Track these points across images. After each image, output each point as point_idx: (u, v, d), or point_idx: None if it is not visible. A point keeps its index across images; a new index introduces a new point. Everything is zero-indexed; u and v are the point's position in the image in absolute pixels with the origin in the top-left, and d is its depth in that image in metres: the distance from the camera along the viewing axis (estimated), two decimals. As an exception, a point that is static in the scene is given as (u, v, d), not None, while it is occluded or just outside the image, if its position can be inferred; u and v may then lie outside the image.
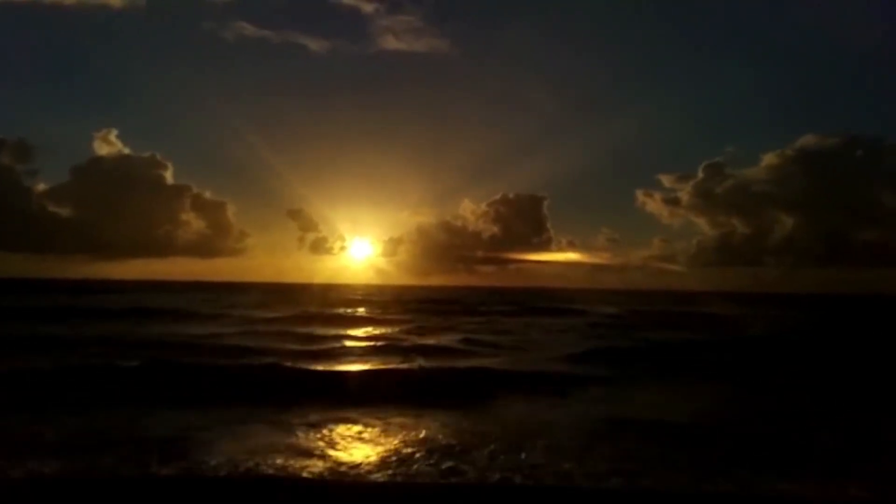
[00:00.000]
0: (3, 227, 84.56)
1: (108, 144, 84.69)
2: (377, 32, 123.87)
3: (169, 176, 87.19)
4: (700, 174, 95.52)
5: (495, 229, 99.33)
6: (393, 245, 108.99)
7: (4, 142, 79.42)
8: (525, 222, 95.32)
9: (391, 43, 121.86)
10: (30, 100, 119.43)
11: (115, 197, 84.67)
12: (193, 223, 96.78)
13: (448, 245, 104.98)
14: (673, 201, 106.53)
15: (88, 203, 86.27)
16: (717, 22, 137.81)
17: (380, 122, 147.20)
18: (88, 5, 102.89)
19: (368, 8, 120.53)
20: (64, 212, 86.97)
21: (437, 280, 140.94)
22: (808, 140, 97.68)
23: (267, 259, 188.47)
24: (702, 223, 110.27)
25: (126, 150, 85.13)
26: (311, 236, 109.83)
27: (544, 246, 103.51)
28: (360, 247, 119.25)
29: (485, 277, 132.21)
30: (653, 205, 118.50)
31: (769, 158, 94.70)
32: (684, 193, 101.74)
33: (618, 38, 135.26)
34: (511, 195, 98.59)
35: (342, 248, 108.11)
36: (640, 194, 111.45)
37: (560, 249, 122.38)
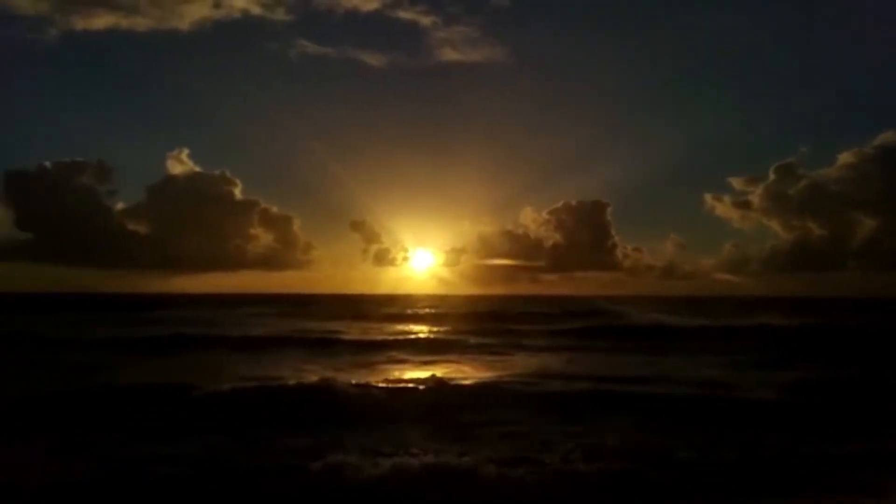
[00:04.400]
0: (87, 245, 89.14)
1: (181, 163, 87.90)
2: (435, 44, 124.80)
3: (238, 192, 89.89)
4: (772, 175, 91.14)
5: (558, 237, 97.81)
6: (455, 255, 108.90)
7: (86, 164, 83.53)
8: (588, 229, 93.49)
9: (449, 54, 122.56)
10: (108, 123, 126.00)
11: (187, 214, 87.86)
12: (262, 237, 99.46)
13: (510, 254, 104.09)
14: (743, 205, 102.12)
15: (163, 220, 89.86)
16: (786, 15, 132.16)
17: (439, 132, 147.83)
18: (160, 31, 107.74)
19: (425, 21, 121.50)
20: (141, 229, 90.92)
21: (499, 289, 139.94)
22: (888, 137, 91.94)
23: (332, 271, 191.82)
24: (775, 226, 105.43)
25: (197, 169, 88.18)
26: (374, 248, 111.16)
27: (609, 253, 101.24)
28: (423, 257, 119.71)
29: (548, 286, 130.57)
30: (722, 209, 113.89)
31: (845, 157, 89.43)
32: (755, 196, 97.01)
33: (681, 39, 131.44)
34: (573, 202, 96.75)
35: (405, 259, 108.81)
36: (708, 198, 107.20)
37: (626, 256, 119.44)
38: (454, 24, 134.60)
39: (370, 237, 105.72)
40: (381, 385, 14.57)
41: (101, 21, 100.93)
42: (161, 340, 26.83)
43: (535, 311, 59.04)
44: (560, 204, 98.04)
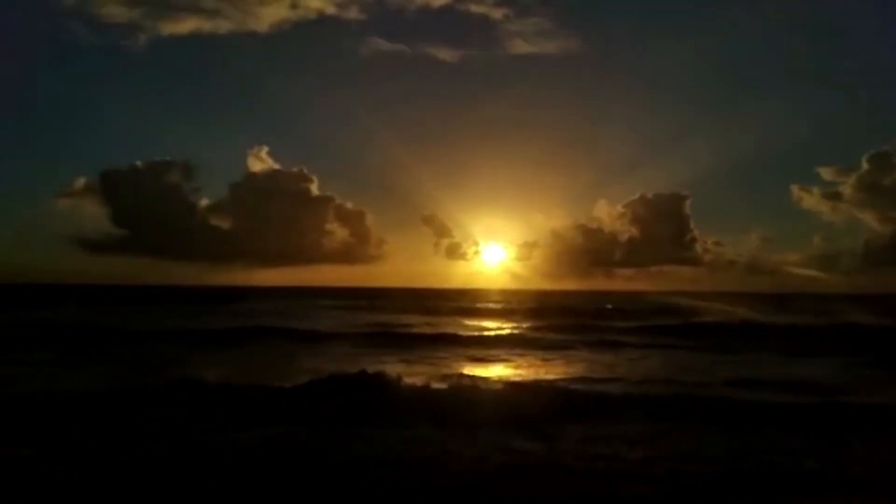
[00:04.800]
0: (175, 240, 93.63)
1: (261, 161, 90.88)
2: (506, 37, 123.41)
3: (314, 188, 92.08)
4: (865, 165, 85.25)
5: (634, 231, 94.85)
6: (527, 249, 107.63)
7: (173, 163, 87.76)
8: (666, 223, 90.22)
9: (521, 47, 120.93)
10: (193, 124, 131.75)
11: (267, 210, 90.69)
12: (337, 232, 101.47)
13: (584, 248, 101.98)
14: (834, 196, 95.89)
15: (244, 216, 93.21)
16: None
17: (511, 126, 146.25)
18: (240, 33, 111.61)
19: (497, 14, 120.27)
20: (224, 224, 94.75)
21: (573, 284, 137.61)
22: None
23: (404, 265, 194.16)
24: (869, 219, 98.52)
25: (276, 166, 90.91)
26: (445, 242, 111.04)
27: (688, 247, 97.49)
28: (495, 251, 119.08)
29: (624, 281, 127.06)
30: (811, 200, 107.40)
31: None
32: (847, 187, 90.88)
33: (765, 25, 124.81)
34: (650, 195, 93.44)
35: (476, 253, 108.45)
36: (795, 189, 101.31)
37: (706, 250, 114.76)
38: (526, 16, 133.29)
39: (441, 231, 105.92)
40: (463, 383, 14.19)
41: (186, 25, 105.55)
42: (246, 332, 27.64)
43: (611, 307, 57.66)
44: (636, 197, 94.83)
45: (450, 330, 32.37)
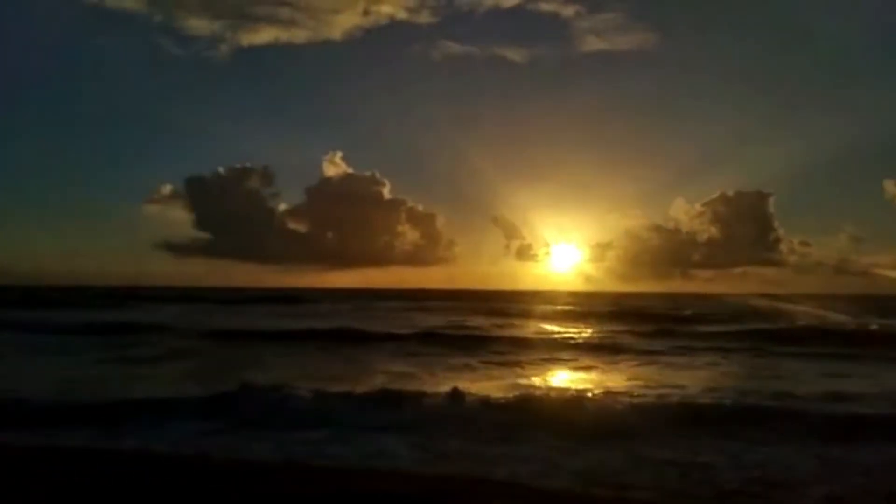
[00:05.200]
0: (255, 244, 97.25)
1: (335, 166, 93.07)
2: (578, 35, 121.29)
3: (386, 192, 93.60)
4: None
5: (713, 231, 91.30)
6: (600, 250, 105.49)
7: (253, 169, 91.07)
8: (748, 222, 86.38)
9: (593, 44, 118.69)
10: (271, 130, 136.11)
11: (341, 213, 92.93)
12: (408, 234, 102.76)
13: (660, 249, 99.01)
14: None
15: (319, 220, 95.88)
16: None
17: (584, 123, 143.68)
18: (315, 41, 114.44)
19: (568, 11, 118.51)
20: (300, 228, 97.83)
21: (649, 287, 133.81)
22: None
23: (474, 267, 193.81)
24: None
25: (350, 170, 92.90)
26: (515, 243, 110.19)
27: (772, 248, 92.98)
28: (566, 253, 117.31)
29: (703, 284, 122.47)
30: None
31: None
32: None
33: (850, 13, 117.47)
34: (730, 193, 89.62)
35: (547, 255, 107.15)
36: (890, 185, 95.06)
37: (791, 251, 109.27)
38: (599, 12, 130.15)
39: (512, 232, 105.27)
40: (546, 394, 13.74)
41: (264, 36, 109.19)
42: (328, 334, 28.21)
43: (691, 309, 55.68)
44: (716, 195, 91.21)
45: (525, 333, 32.06)
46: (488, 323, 39.24)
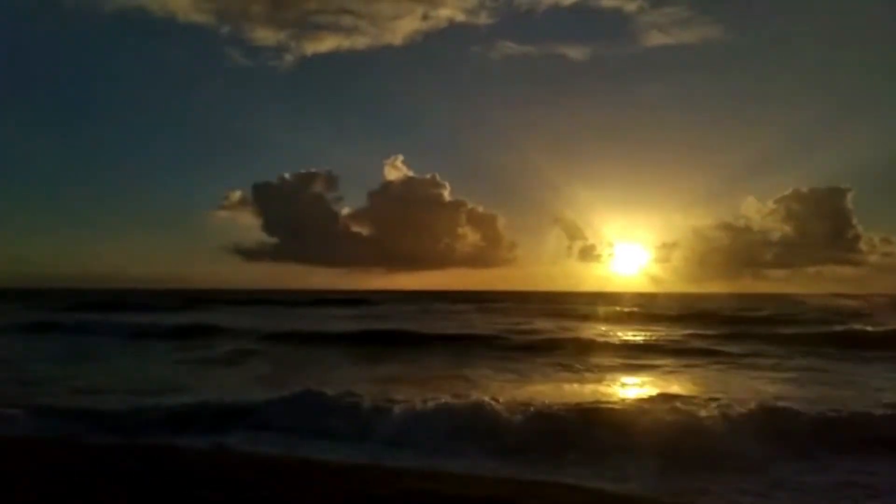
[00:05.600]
0: (319, 247, 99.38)
1: (396, 170, 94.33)
2: (640, 30, 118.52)
3: (447, 194, 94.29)
4: None
5: (787, 229, 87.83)
6: (666, 250, 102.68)
7: (317, 174, 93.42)
8: (824, 219, 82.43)
9: (656, 38, 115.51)
10: (334, 136, 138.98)
11: (402, 216, 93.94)
12: (469, 236, 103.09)
13: (730, 248, 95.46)
14: None
15: (382, 222, 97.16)
16: None
17: (647, 120, 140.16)
18: (376, 47, 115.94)
19: (630, 6, 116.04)
20: (363, 231, 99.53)
21: (718, 287, 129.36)
22: None
23: (535, 268, 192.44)
24: None
25: (410, 174, 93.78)
26: (578, 244, 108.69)
27: (850, 245, 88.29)
28: (631, 253, 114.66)
29: (777, 284, 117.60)
30: None
31: None
32: None
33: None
34: (804, 189, 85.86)
35: (610, 255, 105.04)
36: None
37: (872, 249, 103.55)
38: (662, 5, 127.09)
39: (574, 233, 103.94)
40: (639, 404, 12.61)
41: (327, 44, 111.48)
42: (394, 336, 28.32)
43: (767, 310, 53.26)
44: (788, 192, 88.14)
45: (596, 336, 31.18)
46: (556, 325, 38.45)
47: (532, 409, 11.29)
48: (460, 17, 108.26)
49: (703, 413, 11.09)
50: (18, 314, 44.68)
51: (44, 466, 6.82)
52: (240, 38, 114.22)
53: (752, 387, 15.95)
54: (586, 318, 47.36)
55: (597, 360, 21.31)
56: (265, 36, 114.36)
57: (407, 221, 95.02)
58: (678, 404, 11.68)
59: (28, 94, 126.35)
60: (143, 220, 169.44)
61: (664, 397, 13.03)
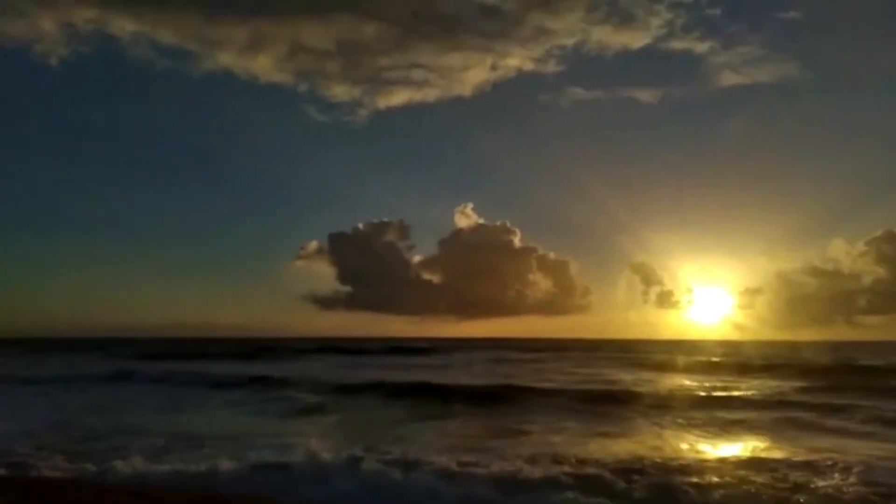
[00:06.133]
0: (392, 295, 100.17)
1: (466, 217, 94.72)
2: (713, 71, 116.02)
3: (517, 240, 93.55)
4: None
5: (880, 271, 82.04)
6: (749, 296, 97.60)
7: (390, 224, 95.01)
8: (923, 260, 76.63)
9: (729, 78, 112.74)
10: (406, 186, 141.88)
11: (473, 263, 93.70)
12: (540, 283, 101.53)
13: (819, 293, 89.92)
14: None
15: (453, 270, 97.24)
16: None
17: (725, 161, 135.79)
18: (446, 99, 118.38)
19: (701, 48, 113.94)
20: (434, 278, 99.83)
21: (807, 335, 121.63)
22: None
23: (610, 315, 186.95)
24: None
25: (481, 221, 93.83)
26: (655, 289, 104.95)
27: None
28: (711, 299, 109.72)
29: (871, 331, 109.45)
30: None
31: None
32: None
33: None
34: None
35: (689, 302, 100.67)
36: None
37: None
38: (734, 45, 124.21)
39: (650, 279, 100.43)
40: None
41: (399, 98, 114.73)
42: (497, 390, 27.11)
43: (868, 360, 49.25)
44: (880, 233, 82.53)
45: (684, 387, 29.41)
46: (641, 376, 36.59)
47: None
48: (528, 66, 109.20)
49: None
50: (97, 363, 46.60)
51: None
52: (317, 95, 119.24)
53: (869, 449, 14.22)
54: (669, 368, 45.06)
55: (695, 414, 19.75)
56: (340, 92, 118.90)
57: (477, 268, 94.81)
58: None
59: (122, 153, 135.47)
60: (224, 270, 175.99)
61: (778, 463, 11.72)
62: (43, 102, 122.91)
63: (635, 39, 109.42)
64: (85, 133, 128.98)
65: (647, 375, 37.52)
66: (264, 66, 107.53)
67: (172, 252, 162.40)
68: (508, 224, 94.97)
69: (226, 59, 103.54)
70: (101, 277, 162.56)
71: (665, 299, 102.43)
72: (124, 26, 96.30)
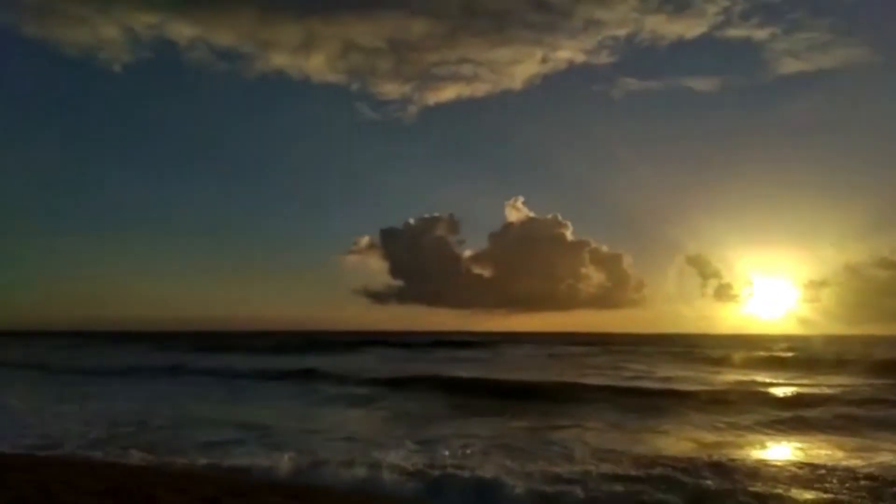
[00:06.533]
0: (442, 289, 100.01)
1: (517, 211, 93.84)
2: (773, 58, 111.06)
3: (568, 234, 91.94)
4: None
5: (960, 263, 76.80)
6: (814, 289, 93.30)
7: (440, 218, 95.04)
8: None
9: (790, 65, 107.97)
10: (456, 181, 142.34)
11: (524, 257, 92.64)
12: (593, 276, 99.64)
13: (891, 286, 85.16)
14: None
15: (503, 264, 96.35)
16: None
17: (786, 150, 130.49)
18: (496, 93, 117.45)
19: (761, 34, 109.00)
20: (485, 273, 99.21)
21: (877, 329, 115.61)
22: None
23: (666, 309, 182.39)
24: None
25: (532, 214, 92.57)
26: (713, 283, 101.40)
27: None
28: (772, 292, 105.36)
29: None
30: None
31: None
32: None
33: None
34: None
35: (750, 295, 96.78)
36: None
37: None
38: (796, 31, 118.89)
39: (708, 271, 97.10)
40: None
41: (448, 93, 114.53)
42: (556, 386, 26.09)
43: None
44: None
45: (767, 386, 27.68)
46: (703, 372, 34.94)
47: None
48: (580, 58, 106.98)
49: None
50: (158, 356, 47.58)
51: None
52: (368, 93, 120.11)
53: None
54: (732, 363, 43.06)
55: (766, 412, 18.40)
56: (391, 90, 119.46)
57: (528, 262, 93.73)
58: None
59: (181, 153, 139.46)
60: (279, 266, 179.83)
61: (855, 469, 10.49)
62: (109, 106, 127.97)
63: (691, 28, 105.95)
64: (146, 134, 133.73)
65: (710, 371, 35.82)
66: (317, 66, 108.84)
67: (229, 247, 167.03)
68: (560, 217, 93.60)
69: (279, 59, 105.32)
70: (157, 271, 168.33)
71: (723, 292, 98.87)
72: (182, 31, 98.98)
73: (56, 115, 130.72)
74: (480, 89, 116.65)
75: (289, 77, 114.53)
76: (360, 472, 10.34)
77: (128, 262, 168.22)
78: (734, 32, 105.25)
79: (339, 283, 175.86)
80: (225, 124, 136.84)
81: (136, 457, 11.71)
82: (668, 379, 30.56)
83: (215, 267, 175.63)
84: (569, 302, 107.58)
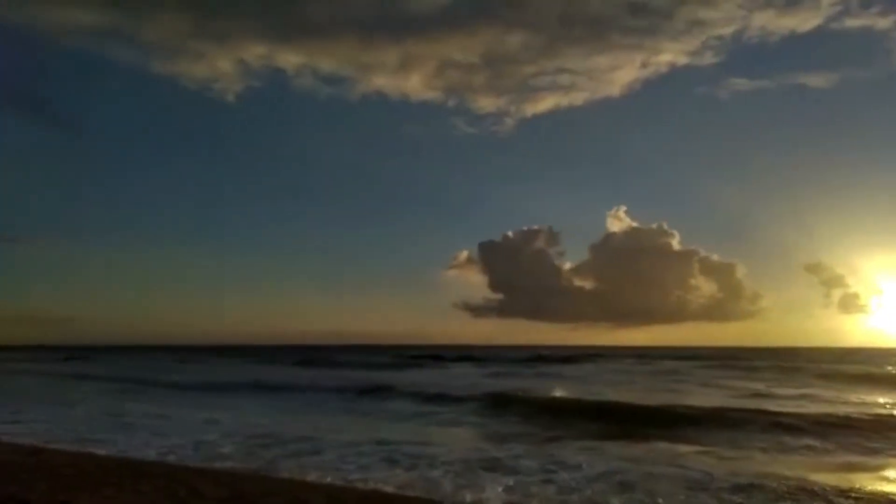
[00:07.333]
0: (542, 302, 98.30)
1: (619, 221, 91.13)
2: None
3: (676, 243, 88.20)
4: None
5: None
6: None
7: (539, 231, 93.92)
8: None
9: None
10: (554, 192, 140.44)
11: (628, 268, 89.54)
12: (703, 287, 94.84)
13: None
14: None
15: (606, 276, 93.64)
16: None
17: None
18: (594, 101, 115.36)
19: (883, 23, 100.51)
20: (586, 285, 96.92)
21: None
22: None
23: (785, 320, 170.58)
24: None
25: (635, 224, 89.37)
26: (837, 292, 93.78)
27: None
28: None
29: None
30: None
31: None
32: None
33: None
34: None
35: (880, 305, 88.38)
36: None
37: None
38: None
39: (831, 280, 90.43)
40: None
41: (545, 104, 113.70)
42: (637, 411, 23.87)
43: None
44: None
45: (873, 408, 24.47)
46: (825, 392, 31.51)
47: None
48: (682, 60, 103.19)
49: None
50: (269, 371, 49.11)
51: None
52: (464, 108, 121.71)
53: None
54: (873, 381, 38.88)
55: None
56: (487, 104, 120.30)
57: (633, 273, 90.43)
58: None
59: (290, 177, 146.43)
60: (381, 281, 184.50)
61: None
62: (223, 136, 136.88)
63: (804, 21, 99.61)
64: (258, 161, 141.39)
65: (856, 391, 32.41)
66: (414, 85, 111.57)
67: (334, 265, 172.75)
68: (666, 226, 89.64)
69: (379, 81, 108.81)
70: (266, 290, 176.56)
71: (850, 302, 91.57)
72: (289, 59, 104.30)
73: (177, 146, 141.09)
74: (579, 98, 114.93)
75: (388, 97, 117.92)
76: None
77: (235, 279, 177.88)
78: (852, 23, 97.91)
79: (439, 298, 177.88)
80: (330, 146, 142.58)
81: (260, 467, 11.73)
82: (803, 397, 27.77)
83: (320, 285, 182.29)
84: (678, 314, 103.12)
